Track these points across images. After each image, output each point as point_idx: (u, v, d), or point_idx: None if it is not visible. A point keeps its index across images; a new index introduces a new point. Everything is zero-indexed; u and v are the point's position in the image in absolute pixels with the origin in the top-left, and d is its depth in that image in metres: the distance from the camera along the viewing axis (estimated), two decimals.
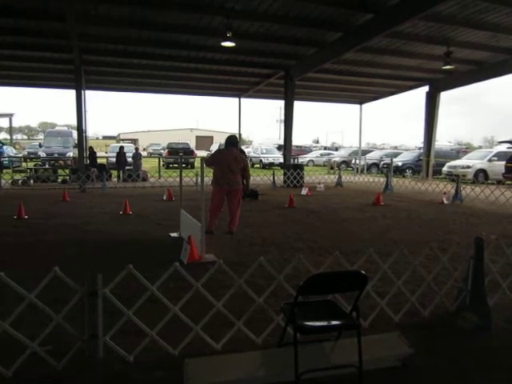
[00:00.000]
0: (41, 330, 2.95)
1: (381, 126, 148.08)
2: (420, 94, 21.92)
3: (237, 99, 24.96)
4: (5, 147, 28.62)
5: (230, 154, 7.74)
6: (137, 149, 22.61)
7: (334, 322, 2.88)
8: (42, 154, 27.35)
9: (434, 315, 4.00)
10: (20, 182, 17.45)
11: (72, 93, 17.21)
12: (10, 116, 48.14)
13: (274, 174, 17.98)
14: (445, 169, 21.43)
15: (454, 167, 20.85)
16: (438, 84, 20.76)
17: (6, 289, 2.90)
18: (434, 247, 4.22)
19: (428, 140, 21.76)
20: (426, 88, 21.50)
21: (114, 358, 3.08)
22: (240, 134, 25.37)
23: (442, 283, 4.20)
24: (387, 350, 3.18)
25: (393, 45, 15.01)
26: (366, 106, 26.66)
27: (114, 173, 20.45)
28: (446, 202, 12.64)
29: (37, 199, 12.71)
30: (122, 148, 21.08)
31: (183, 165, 11.29)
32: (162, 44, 14.85)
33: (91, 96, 75.48)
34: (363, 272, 2.79)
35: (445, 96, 21.43)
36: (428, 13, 10.86)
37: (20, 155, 30.78)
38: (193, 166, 27.60)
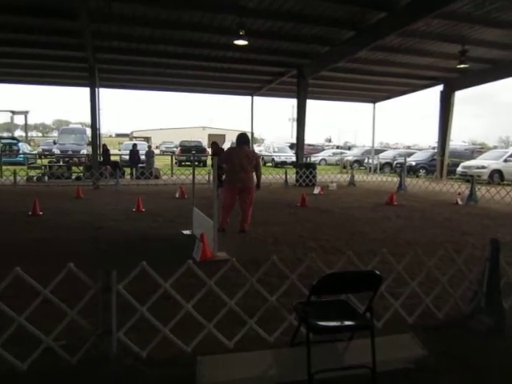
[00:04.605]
0: (55, 324, 2.99)
1: (394, 125, 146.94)
2: (434, 93, 21.70)
3: (249, 97, 24.96)
4: (20, 144, 29.04)
5: (242, 152, 7.74)
6: (150, 146, 22.78)
7: (348, 323, 2.87)
8: (56, 151, 27.72)
9: (448, 317, 3.95)
10: (35, 178, 17.68)
11: (86, 91, 17.42)
12: (25, 113, 48.87)
13: (286, 173, 17.95)
14: (459, 169, 21.17)
15: (469, 167, 20.58)
16: (452, 83, 20.51)
17: (22, 284, 2.93)
18: (449, 248, 4.17)
19: (442, 140, 21.52)
20: (440, 87, 21.27)
21: (128, 354, 3.10)
22: (252, 133, 25.37)
23: (456, 285, 4.15)
24: (400, 351, 3.16)
25: (406, 43, 14.87)
26: (379, 104, 26.49)
27: (127, 170, 20.60)
28: (460, 202, 12.49)
29: (51, 196, 12.86)
30: (135, 146, 21.24)
31: (195, 163, 11.35)
32: (174, 42, 14.91)
33: (104, 94, 76.02)
34: (377, 272, 2.77)
35: (459, 95, 21.19)
36: (442, 11, 10.72)
37: (35, 152, 31.18)
38: (205, 164, 27.67)
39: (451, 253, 4.15)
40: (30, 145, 37.30)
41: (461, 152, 25.95)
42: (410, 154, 26.99)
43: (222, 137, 63.51)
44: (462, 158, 23.37)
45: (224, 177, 8.25)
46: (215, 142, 14.61)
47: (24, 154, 26.63)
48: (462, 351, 3.39)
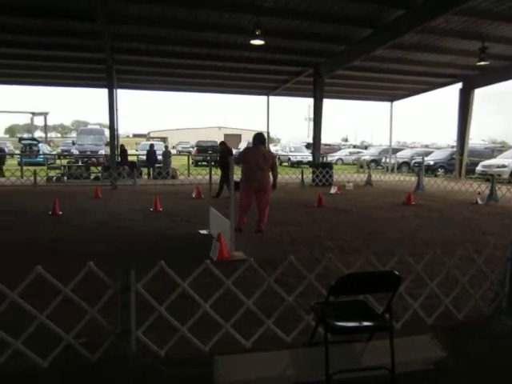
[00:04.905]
0: (74, 323, 3.03)
1: (412, 124, 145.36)
2: (453, 91, 21.44)
3: (265, 97, 24.94)
4: (40, 145, 29.55)
5: (258, 152, 7.74)
6: (166, 147, 22.95)
7: (366, 323, 2.84)
8: (75, 151, 28.14)
9: (468, 318, 3.89)
10: (54, 178, 17.97)
11: (104, 92, 17.64)
12: (44, 115, 49.83)
13: (302, 173, 17.89)
14: (479, 168, 20.83)
15: (489, 166, 20.24)
16: (471, 81, 20.18)
17: (43, 282, 2.98)
18: (469, 248, 4.11)
19: (461, 138, 21.20)
20: (459, 85, 20.96)
21: (146, 353, 3.12)
22: (268, 133, 25.34)
23: (477, 286, 4.09)
24: (420, 352, 3.12)
25: (425, 41, 14.67)
26: (396, 103, 26.19)
27: (144, 170, 20.78)
28: (480, 202, 12.29)
29: (70, 196, 13.05)
30: (152, 146, 21.42)
31: (212, 163, 11.49)
32: (191, 43, 14.98)
33: (122, 94, 76.64)
34: (396, 272, 2.74)
35: (479, 93, 20.86)
36: (462, 7, 10.54)
37: (54, 152, 31.69)
38: None
39: (471, 253, 4.08)
40: (49, 145, 37.92)
41: (480, 151, 25.50)
42: (428, 153, 26.64)
43: (238, 136, 63.61)
44: (482, 156, 22.96)
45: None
46: (223, 141, 14.73)
47: (44, 154, 27.06)
48: (482, 353, 3.33)
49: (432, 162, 24.02)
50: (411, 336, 3.33)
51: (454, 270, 3.99)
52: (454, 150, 23.27)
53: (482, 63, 14.82)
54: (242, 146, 37.31)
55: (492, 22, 12.48)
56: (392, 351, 2.76)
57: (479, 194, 13.44)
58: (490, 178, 14.27)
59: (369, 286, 2.81)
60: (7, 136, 77.49)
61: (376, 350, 3.01)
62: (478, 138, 47.88)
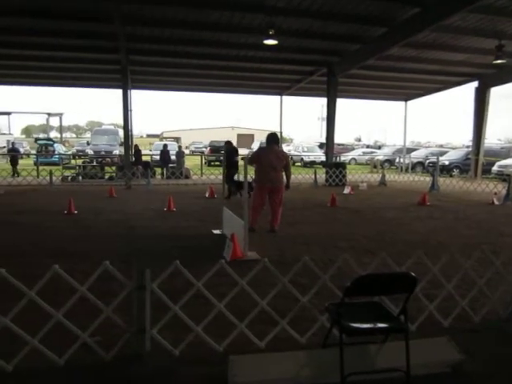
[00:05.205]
0: (91, 321, 3.05)
1: (426, 123, 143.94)
2: (469, 89, 21.11)
3: (278, 97, 24.89)
4: (55, 145, 29.92)
5: (272, 152, 7.74)
6: (180, 147, 23.05)
7: (381, 325, 2.82)
8: (89, 151, 28.45)
9: (485, 321, 3.83)
10: (69, 178, 18.17)
11: (118, 92, 17.81)
12: (59, 115, 50.41)
13: (315, 173, 17.82)
14: (495, 168, 20.55)
15: (505, 166, 19.95)
16: (487, 79, 19.88)
17: (60, 281, 3.01)
18: (486, 250, 4.04)
19: (477, 138, 20.90)
20: (474, 84, 20.67)
21: (161, 352, 3.14)
22: (281, 132, 25.28)
23: (494, 288, 4.02)
24: (436, 355, 3.07)
25: (440, 39, 14.49)
26: (410, 102, 25.91)
27: (158, 170, 20.90)
28: (496, 202, 12.11)
29: (85, 195, 13.18)
30: (165, 146, 21.55)
31: (225, 163, 11.48)
32: (204, 43, 15.01)
33: (136, 95, 77.22)
34: (413, 274, 2.71)
35: (495, 91, 20.55)
36: (477, 5, 10.39)
37: (69, 152, 32.07)
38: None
39: (488, 254, 4.02)
40: (64, 146, 38.36)
41: (496, 150, 25.13)
42: (442, 153, 26.35)
43: (251, 137, 63.63)
44: (498, 156, 22.67)
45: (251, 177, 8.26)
46: (229, 141, 14.80)
47: (59, 154, 27.39)
48: (499, 356, 3.28)
49: (447, 162, 23.77)
50: (427, 338, 3.28)
51: (471, 271, 3.94)
52: (470, 149, 22.97)
53: (499, 61, 14.60)
54: (255, 146, 37.27)
55: (508, 19, 12.28)
56: (407, 353, 2.73)
57: (495, 194, 13.24)
58: (506, 178, 14.05)
59: (384, 287, 2.78)
60: (23, 136, 78.66)
61: (391, 352, 2.98)
62: (494, 137, 47.05)
